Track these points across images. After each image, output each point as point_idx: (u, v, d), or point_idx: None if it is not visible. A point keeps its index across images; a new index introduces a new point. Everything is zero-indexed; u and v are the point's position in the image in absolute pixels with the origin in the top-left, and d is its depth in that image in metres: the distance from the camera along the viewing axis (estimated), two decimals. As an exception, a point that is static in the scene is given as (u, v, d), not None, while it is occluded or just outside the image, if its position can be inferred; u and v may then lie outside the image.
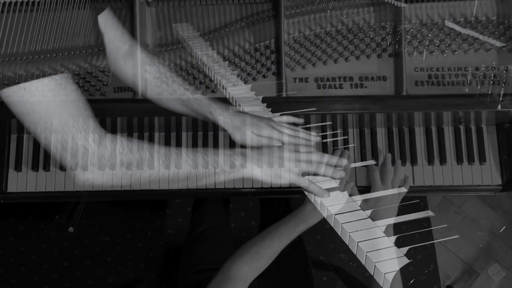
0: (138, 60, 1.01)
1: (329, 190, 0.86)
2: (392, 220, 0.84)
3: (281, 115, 0.96)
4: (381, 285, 0.78)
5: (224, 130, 1.11)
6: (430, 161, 1.11)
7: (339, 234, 0.89)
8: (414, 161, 1.10)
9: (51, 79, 0.78)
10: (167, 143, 1.12)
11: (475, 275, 1.94)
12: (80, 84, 0.99)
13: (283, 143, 0.86)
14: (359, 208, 0.87)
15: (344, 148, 1.11)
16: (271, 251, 0.88)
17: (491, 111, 1.02)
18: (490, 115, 1.05)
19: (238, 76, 1.04)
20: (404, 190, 1.00)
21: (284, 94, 1.03)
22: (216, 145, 1.11)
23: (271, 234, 0.90)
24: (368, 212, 0.86)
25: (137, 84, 0.92)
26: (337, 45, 1.05)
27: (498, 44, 1.04)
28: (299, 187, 1.01)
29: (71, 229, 0.93)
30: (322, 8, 1.05)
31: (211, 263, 1.17)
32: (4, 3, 1.02)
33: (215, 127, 1.11)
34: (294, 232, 0.91)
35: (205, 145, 1.11)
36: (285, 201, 1.63)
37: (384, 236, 0.82)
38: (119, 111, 1.03)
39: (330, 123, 1.07)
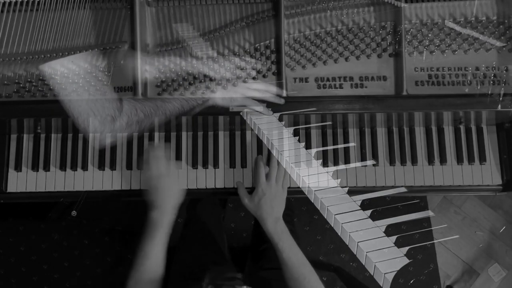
0: (138, 60, 1.01)
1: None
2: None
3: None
4: (381, 285, 0.78)
5: (224, 130, 1.12)
6: (430, 161, 1.11)
7: (339, 234, 0.89)
8: (414, 161, 1.10)
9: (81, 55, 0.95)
10: (167, 143, 1.11)
11: (475, 275, 1.94)
12: (81, 84, 0.99)
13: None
14: (359, 208, 0.87)
15: (344, 148, 1.11)
16: (151, 266, 0.95)
17: (491, 111, 1.02)
18: (490, 115, 1.05)
19: (238, 76, 1.04)
20: (403, 189, 1.00)
21: (284, 94, 1.03)
22: (216, 145, 1.12)
23: (139, 255, 0.97)
24: (368, 212, 0.86)
25: None
26: (337, 45, 1.05)
27: (498, 44, 1.04)
28: (299, 187, 1.01)
29: (74, 212, 0.94)
30: (322, 8, 1.05)
31: (203, 264, 1.17)
32: (4, 3, 1.02)
33: (215, 127, 1.11)
34: (157, 241, 0.96)
35: (205, 145, 1.11)
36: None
37: (384, 236, 0.82)
38: (119, 111, 1.03)
39: (330, 123, 1.07)
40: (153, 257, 0.95)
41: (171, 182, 0.98)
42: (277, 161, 1.02)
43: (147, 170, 0.98)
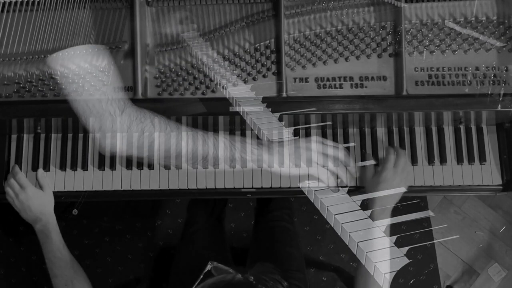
0: (138, 60, 1.01)
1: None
2: (388, 221, 0.88)
3: (280, 115, 0.98)
4: (381, 285, 0.78)
5: (224, 130, 1.12)
6: (430, 161, 1.11)
7: (339, 234, 0.89)
8: (414, 161, 1.10)
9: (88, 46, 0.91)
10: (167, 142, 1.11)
11: (475, 275, 1.94)
12: (80, 84, 0.99)
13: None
14: (359, 208, 0.87)
15: (345, 148, 1.11)
16: (66, 269, 1.04)
17: (491, 111, 1.02)
18: (490, 115, 1.05)
19: (238, 76, 1.04)
20: (403, 189, 1.00)
21: (284, 94, 1.03)
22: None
23: (51, 268, 1.06)
24: (368, 212, 0.86)
25: None
26: (337, 45, 1.05)
27: (498, 44, 1.04)
28: (299, 187, 1.01)
29: (75, 211, 0.96)
30: (322, 8, 1.05)
31: (202, 264, 1.17)
32: (4, 3, 1.02)
33: (215, 127, 1.11)
34: (57, 245, 1.04)
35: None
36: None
37: (384, 236, 0.82)
38: (119, 111, 1.03)
39: (330, 123, 1.07)
40: (63, 259, 1.01)
41: (30, 194, 1.02)
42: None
43: (11, 190, 1.03)
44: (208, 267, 0.76)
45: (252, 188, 1.08)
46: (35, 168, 1.11)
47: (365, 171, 1.03)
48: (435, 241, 1.90)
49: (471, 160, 1.11)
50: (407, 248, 0.82)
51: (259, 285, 0.69)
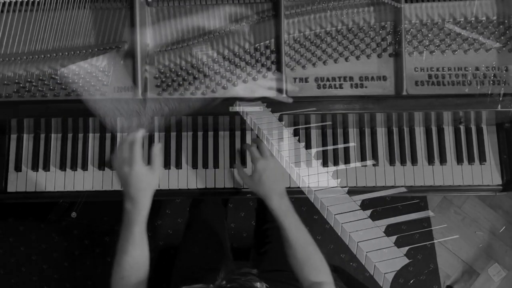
0: (138, 60, 1.01)
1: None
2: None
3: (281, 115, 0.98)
4: (381, 285, 0.78)
5: (224, 130, 1.12)
6: (430, 161, 1.11)
7: (339, 234, 0.89)
8: (414, 161, 1.10)
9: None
10: (167, 143, 1.12)
11: (475, 275, 1.94)
12: (80, 84, 0.99)
13: None
14: (359, 208, 0.87)
15: (344, 148, 1.11)
16: (134, 263, 0.90)
17: (491, 111, 1.02)
18: (490, 115, 1.05)
19: (238, 76, 1.04)
20: (403, 189, 1.00)
21: (284, 94, 1.03)
22: (216, 145, 1.11)
23: (121, 252, 0.93)
24: (368, 212, 0.86)
25: None
26: (337, 45, 1.05)
27: (498, 44, 1.04)
28: (299, 187, 1.01)
29: (74, 214, 0.94)
30: (322, 8, 1.05)
31: (204, 263, 1.17)
32: (4, 3, 1.02)
33: (215, 127, 1.11)
34: (132, 231, 0.88)
35: (205, 145, 1.11)
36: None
37: (384, 236, 0.82)
38: (119, 111, 1.03)
39: (330, 123, 1.07)
40: (136, 260, 0.90)
41: (134, 172, 0.84)
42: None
43: (119, 155, 0.86)
44: None
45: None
46: (35, 168, 1.11)
47: (244, 175, 0.97)
48: (435, 241, 1.90)
49: (471, 160, 1.11)
50: (407, 248, 0.82)
51: (229, 285, 0.68)
